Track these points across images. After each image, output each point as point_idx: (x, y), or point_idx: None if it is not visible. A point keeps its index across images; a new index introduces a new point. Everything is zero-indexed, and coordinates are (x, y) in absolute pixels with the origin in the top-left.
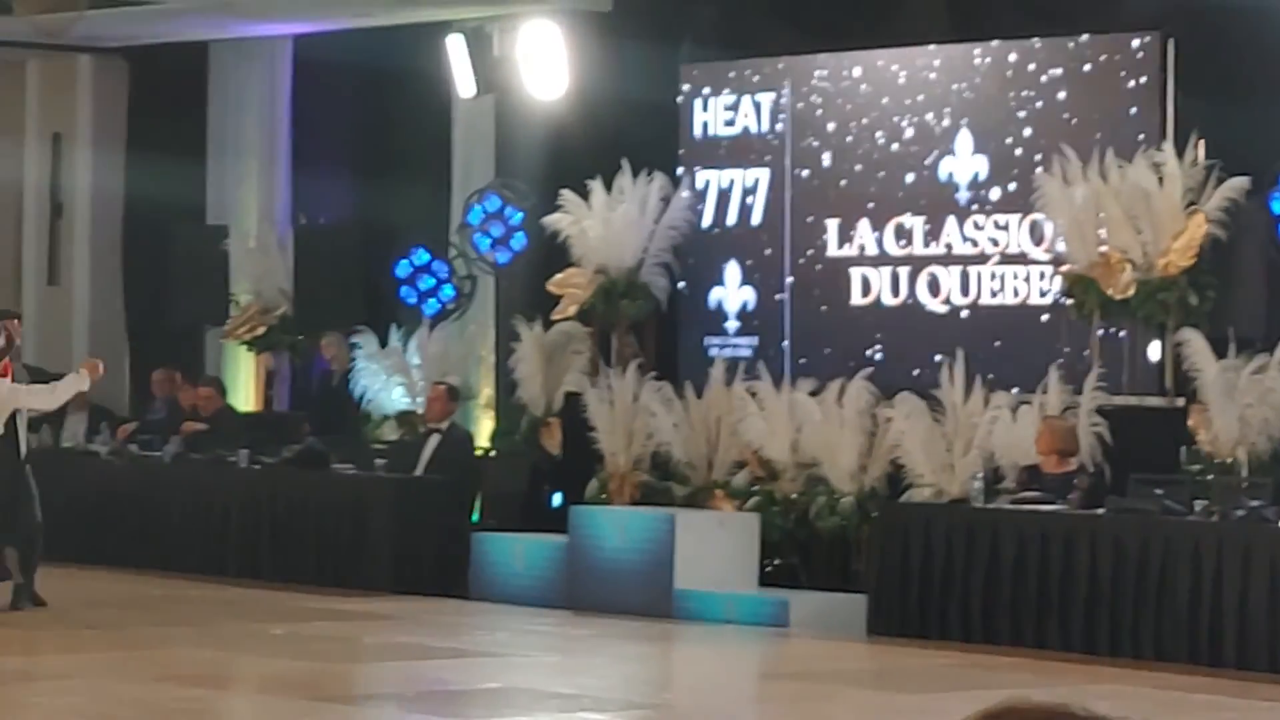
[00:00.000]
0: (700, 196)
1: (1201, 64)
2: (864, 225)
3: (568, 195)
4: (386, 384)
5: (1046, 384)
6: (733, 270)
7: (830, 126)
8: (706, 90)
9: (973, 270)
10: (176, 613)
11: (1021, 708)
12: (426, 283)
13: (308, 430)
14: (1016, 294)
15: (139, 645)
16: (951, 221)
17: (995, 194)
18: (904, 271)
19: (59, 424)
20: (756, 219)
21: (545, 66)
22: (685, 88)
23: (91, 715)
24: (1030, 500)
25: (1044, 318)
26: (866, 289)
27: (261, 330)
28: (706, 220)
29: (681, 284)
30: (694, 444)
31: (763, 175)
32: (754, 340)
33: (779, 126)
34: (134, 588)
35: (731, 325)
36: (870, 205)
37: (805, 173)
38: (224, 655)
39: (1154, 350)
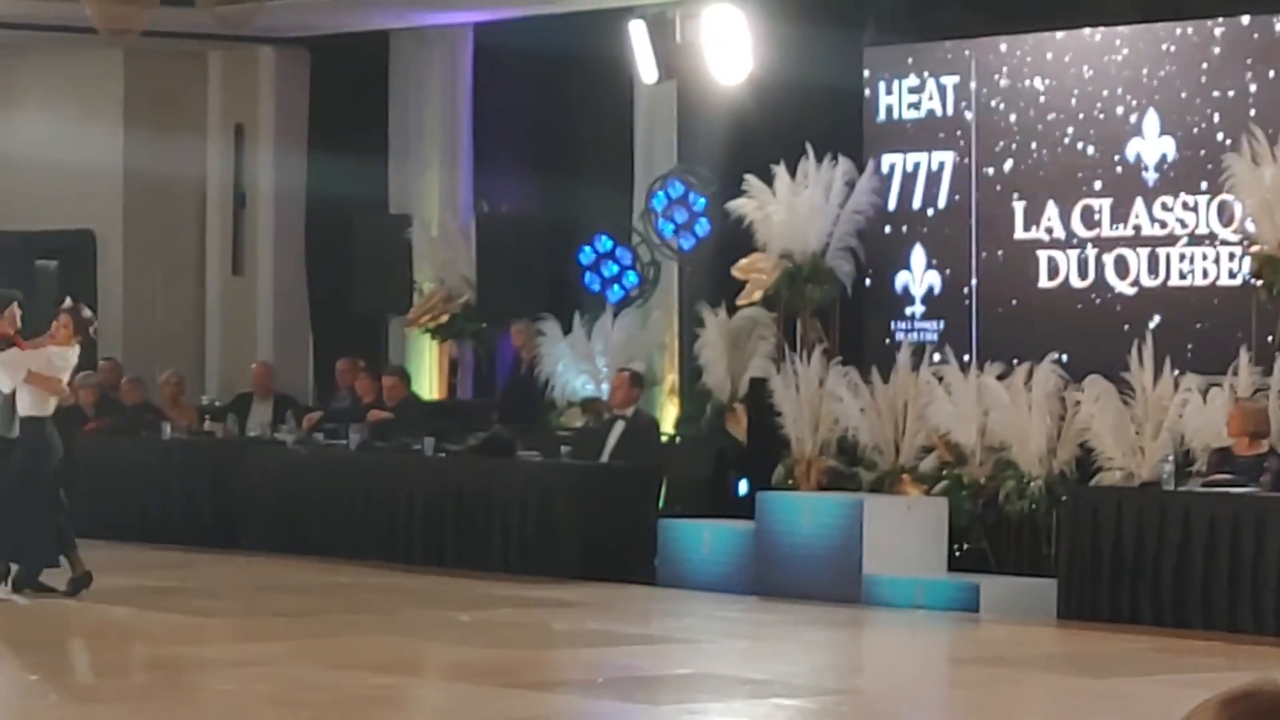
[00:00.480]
0: (885, 180)
1: None
2: (1051, 207)
3: (751, 180)
4: (571, 371)
5: (1236, 365)
6: (918, 254)
7: (1016, 108)
8: (890, 73)
9: (1161, 251)
10: (364, 600)
11: (1268, 690)
12: (610, 269)
13: (495, 418)
14: (1205, 275)
15: (327, 633)
16: (1139, 203)
17: (1183, 175)
18: (1091, 254)
19: (244, 414)
20: (941, 202)
21: (728, 51)
22: (868, 71)
23: (283, 703)
24: (1221, 483)
25: (1231, 298)
26: (1054, 271)
27: (445, 319)
28: (891, 204)
29: (867, 279)
30: (881, 429)
31: (947, 158)
32: (940, 324)
33: (964, 109)
34: (321, 576)
35: (917, 309)
36: (1057, 187)
37: (991, 155)
38: (412, 642)
39: None
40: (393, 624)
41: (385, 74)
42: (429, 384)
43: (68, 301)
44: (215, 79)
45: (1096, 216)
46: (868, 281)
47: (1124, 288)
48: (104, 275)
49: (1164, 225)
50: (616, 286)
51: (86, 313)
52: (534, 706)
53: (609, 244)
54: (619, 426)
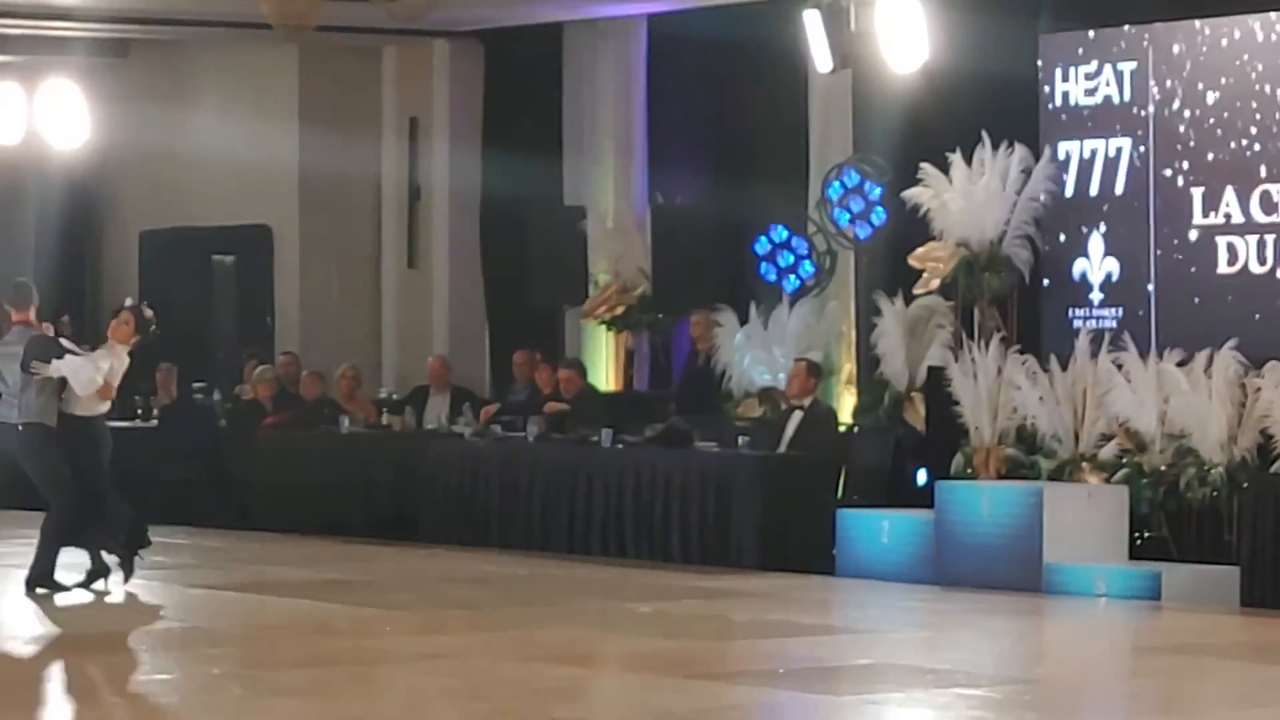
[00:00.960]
0: (1061, 167)
1: None
2: (1229, 193)
3: (927, 169)
4: (748, 361)
5: None
6: (1095, 241)
7: (1194, 93)
8: (1066, 60)
9: None
10: (543, 592)
11: None
12: (786, 259)
13: (672, 409)
14: None
15: (508, 625)
16: None
17: None
18: (1270, 239)
19: (421, 407)
20: (1119, 189)
21: (903, 39)
22: (1044, 58)
23: (464, 695)
24: None
25: None
26: (1233, 257)
27: (621, 310)
28: (1068, 191)
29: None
30: (1060, 417)
31: (1125, 145)
32: (1118, 311)
33: (1141, 95)
34: (500, 568)
35: (1095, 296)
36: (1235, 173)
37: (1168, 141)
38: (592, 634)
39: None
40: (572, 616)
41: (559, 66)
42: (605, 375)
43: (128, 300)
44: (389, 74)
45: (1276, 201)
46: (1045, 267)
47: None
48: (280, 270)
49: None
50: (793, 276)
51: (149, 313)
52: (714, 697)
53: (785, 234)
54: (796, 416)
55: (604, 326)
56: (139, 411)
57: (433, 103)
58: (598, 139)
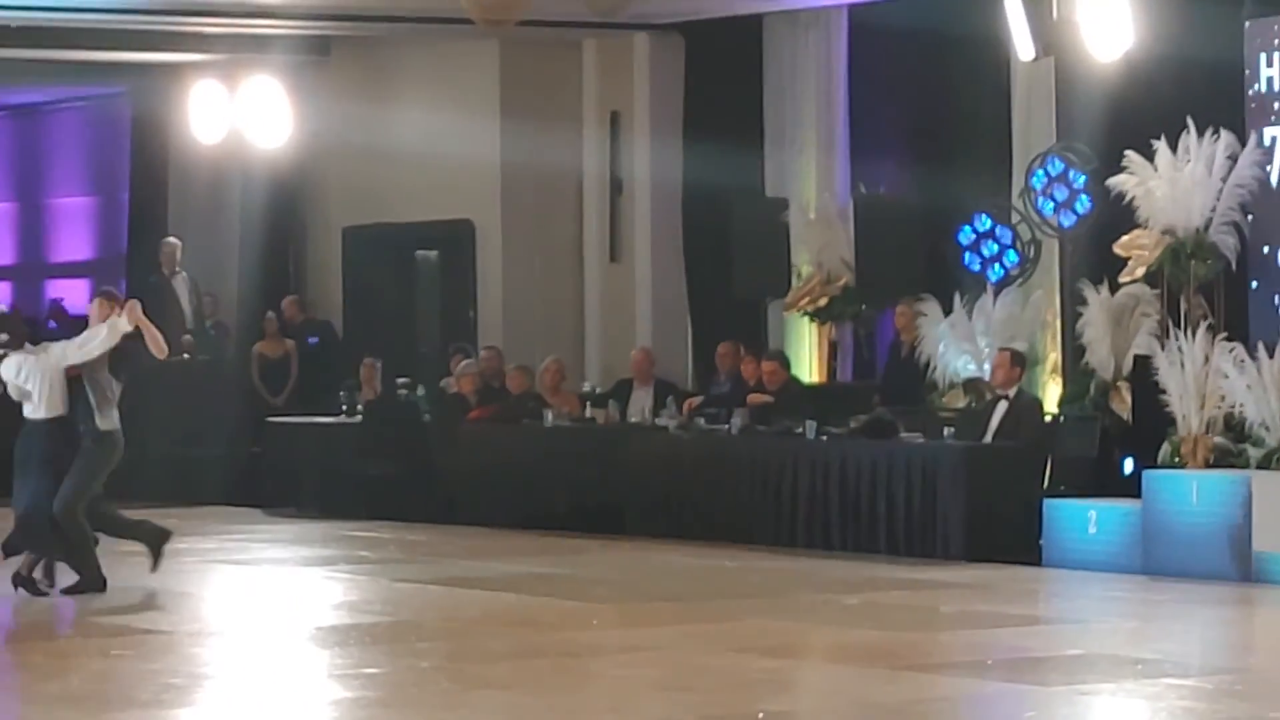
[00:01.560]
0: (1267, 154)
1: None
2: None
3: (1132, 156)
4: (952, 352)
5: None
6: None
7: None
8: (1271, 46)
9: None
10: (748, 584)
11: None
12: (990, 249)
13: (876, 400)
14: None
15: (713, 618)
16: None
17: None
18: None
19: (625, 400)
20: None
21: (1106, 27)
22: (1249, 44)
23: (670, 687)
24: None
25: None
26: None
27: (824, 301)
28: (1274, 178)
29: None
30: (1268, 405)
31: None
32: None
33: None
34: (705, 560)
35: None
36: None
37: None
38: (799, 626)
39: None
40: (778, 608)
41: (760, 57)
42: (809, 367)
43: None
44: (590, 67)
45: None
46: (1252, 254)
47: None
48: (483, 265)
49: None
50: (997, 266)
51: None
52: (922, 689)
53: (988, 223)
54: (1001, 406)
55: (807, 318)
56: (343, 407)
57: (634, 96)
58: (799, 129)
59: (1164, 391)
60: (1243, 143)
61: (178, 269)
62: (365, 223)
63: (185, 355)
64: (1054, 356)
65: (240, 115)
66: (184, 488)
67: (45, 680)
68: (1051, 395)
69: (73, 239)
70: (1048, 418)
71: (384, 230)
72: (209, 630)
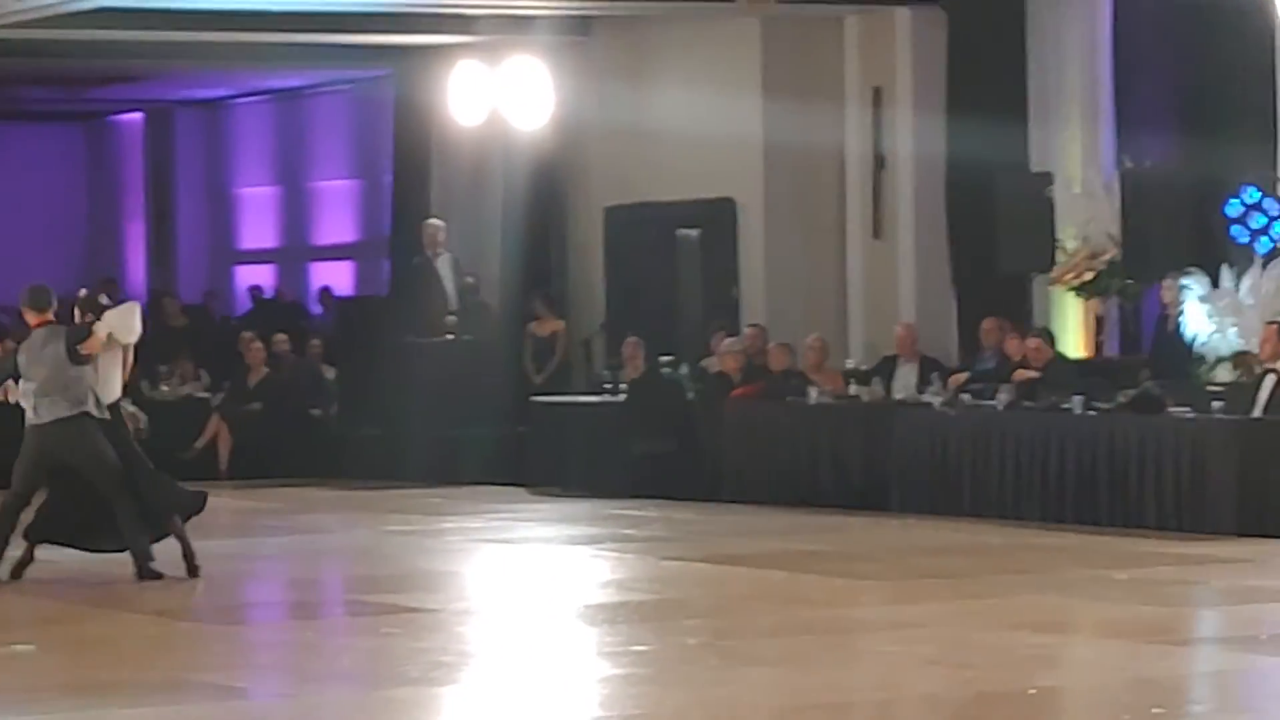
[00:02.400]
0: None
1: None
2: None
3: None
4: (1220, 325)
5: None
6: None
7: None
8: None
9: None
10: (1017, 560)
11: None
12: (1258, 221)
13: (1144, 375)
14: None
15: (983, 594)
16: None
17: None
18: None
19: (889, 377)
20: None
21: None
22: None
23: (941, 664)
24: None
25: None
26: None
27: (1089, 276)
28: None
29: None
30: None
31: None
32: None
33: None
34: (974, 537)
35: None
36: None
37: None
38: (1068, 602)
39: None
40: (1047, 583)
41: (1022, 30)
42: (1075, 342)
43: (83, 293)
44: (852, 43)
45: None
46: None
47: None
48: (745, 243)
49: None
50: (1265, 238)
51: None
52: (1194, 663)
53: (1256, 195)
54: (1269, 380)
55: (1072, 293)
56: (607, 386)
57: (896, 71)
58: (1063, 103)
59: None
60: None
61: (441, 250)
62: (627, 202)
63: (449, 336)
64: None
65: (502, 96)
66: (448, 467)
67: (316, 659)
68: None
69: (336, 222)
70: None
71: (646, 209)
72: (476, 608)
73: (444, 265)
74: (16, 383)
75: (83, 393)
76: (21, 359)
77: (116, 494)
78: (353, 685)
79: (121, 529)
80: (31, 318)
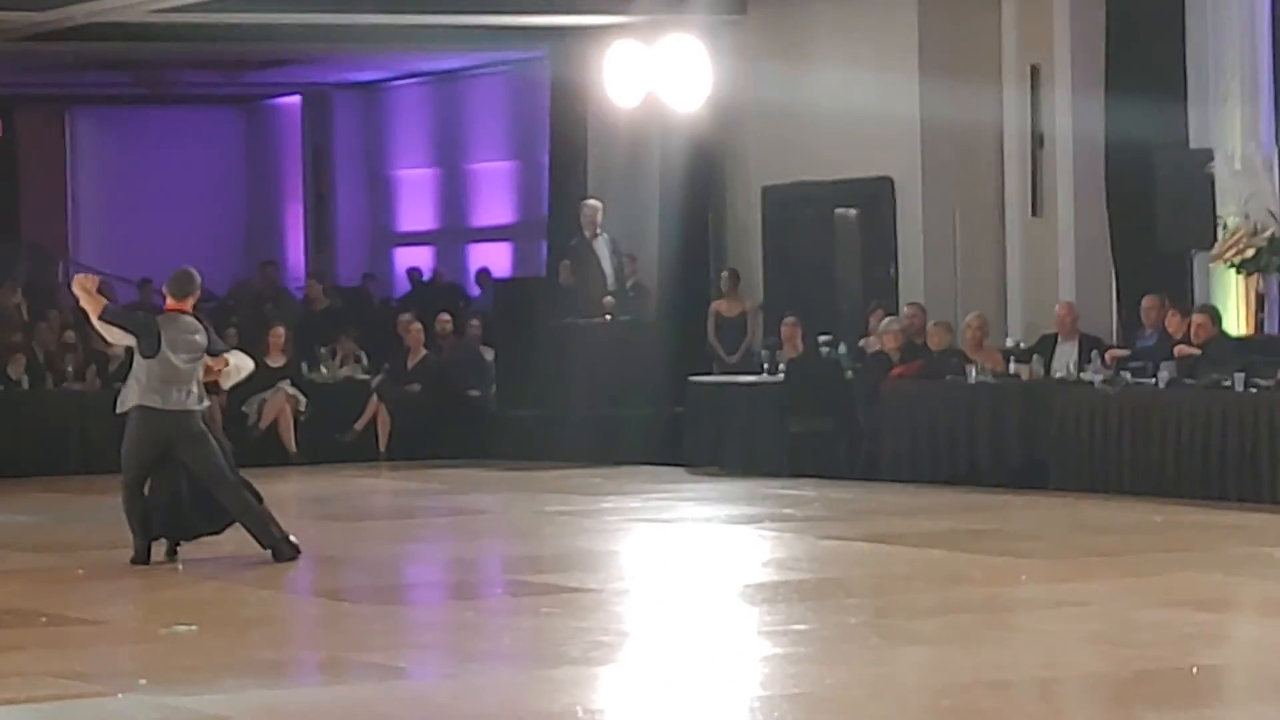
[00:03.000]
0: None
1: None
2: None
3: None
4: None
5: None
6: None
7: None
8: None
9: None
10: (1178, 538)
11: None
12: None
13: None
14: None
15: (1144, 571)
16: None
17: None
18: None
19: (1049, 355)
20: None
21: None
22: None
23: (1104, 642)
24: None
25: None
26: None
27: (1250, 253)
28: None
29: None
30: None
31: None
32: None
33: None
34: (1134, 515)
35: None
36: None
37: None
38: (1230, 580)
39: None
40: (1209, 561)
41: (1182, 7)
42: (1235, 319)
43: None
44: (1010, 20)
45: None
46: None
47: None
48: (903, 222)
49: None
50: None
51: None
52: None
53: None
54: None
55: (1232, 270)
56: (765, 366)
57: (1054, 48)
58: (1223, 78)
59: None
60: None
61: (599, 231)
62: (784, 182)
63: (607, 316)
64: None
65: (658, 76)
66: (606, 448)
67: (477, 639)
68: None
69: (494, 204)
70: None
71: (803, 189)
72: (636, 588)
73: (601, 246)
74: (138, 350)
75: (202, 390)
76: (165, 336)
77: (222, 486)
78: (513, 665)
79: (244, 525)
80: (171, 302)
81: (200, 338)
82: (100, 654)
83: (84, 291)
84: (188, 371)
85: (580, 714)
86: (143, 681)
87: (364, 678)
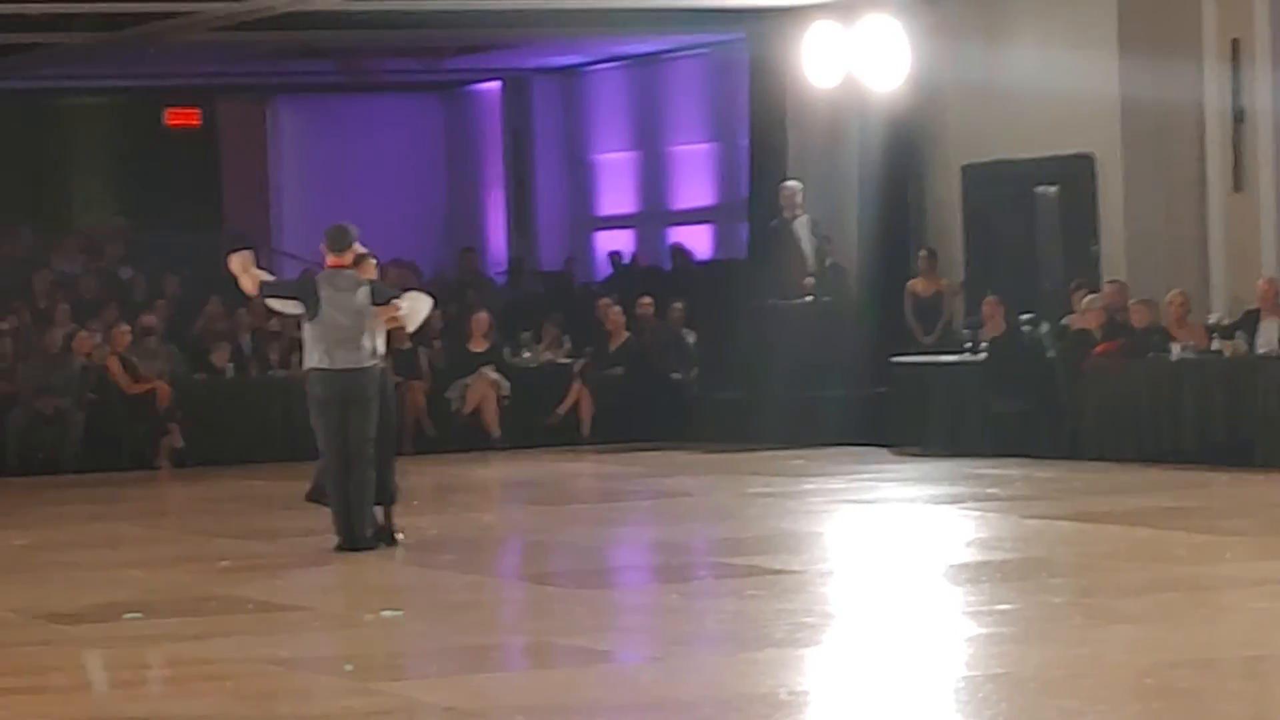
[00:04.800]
0: None
1: None
2: None
3: None
4: None
5: None
6: None
7: None
8: None
9: None
10: None
11: None
12: None
13: None
14: None
15: None
16: None
17: None
18: None
19: (1252, 331)
20: None
21: None
22: None
23: None
24: None
25: None
26: None
27: None
28: None
29: None
30: None
31: None
32: None
33: None
34: None
35: None
36: None
37: None
38: None
39: None
40: None
41: None
42: None
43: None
44: None
45: None
46: None
47: None
48: (1104, 199)
49: None
50: None
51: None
52: None
53: None
54: None
55: None
56: (967, 345)
57: (1254, 23)
58: None
59: None
60: None
61: (799, 212)
62: (984, 160)
63: (808, 297)
64: None
65: (856, 57)
66: (807, 429)
67: (683, 622)
68: None
69: (694, 186)
70: None
71: (1003, 167)
72: (839, 569)
73: (801, 227)
74: (304, 315)
75: (375, 345)
76: (324, 294)
77: (387, 446)
78: (717, 648)
79: (354, 503)
80: (331, 258)
81: (363, 292)
82: (306, 640)
83: (241, 271)
84: (353, 328)
85: (784, 696)
86: (349, 667)
87: (569, 662)
